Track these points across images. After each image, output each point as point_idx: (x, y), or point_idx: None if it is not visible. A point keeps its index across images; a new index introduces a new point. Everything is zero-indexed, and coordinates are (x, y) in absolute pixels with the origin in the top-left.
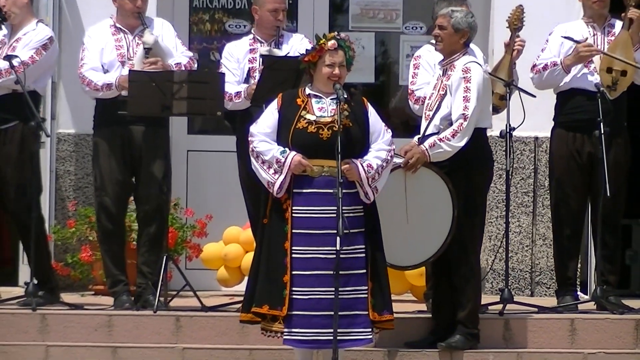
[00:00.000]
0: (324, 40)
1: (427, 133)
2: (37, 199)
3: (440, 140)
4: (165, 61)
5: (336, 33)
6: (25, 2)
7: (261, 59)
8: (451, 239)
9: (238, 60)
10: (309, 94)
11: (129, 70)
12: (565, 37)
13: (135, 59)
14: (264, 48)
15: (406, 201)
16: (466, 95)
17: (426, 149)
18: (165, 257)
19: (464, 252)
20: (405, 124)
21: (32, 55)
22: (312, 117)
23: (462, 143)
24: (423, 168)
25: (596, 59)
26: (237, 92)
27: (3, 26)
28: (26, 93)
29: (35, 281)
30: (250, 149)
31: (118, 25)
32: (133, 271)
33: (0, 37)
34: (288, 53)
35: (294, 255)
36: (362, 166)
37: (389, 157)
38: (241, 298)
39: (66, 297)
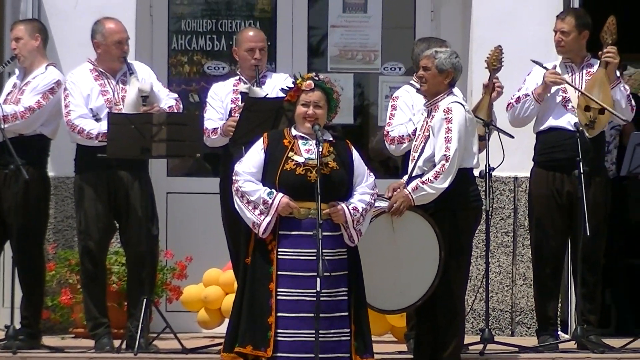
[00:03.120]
0: (300, 80)
1: (412, 175)
2: (38, 240)
3: (423, 182)
4: (159, 106)
5: (314, 74)
6: (35, 45)
7: (241, 97)
8: (438, 281)
9: (221, 100)
10: (295, 135)
11: (108, 113)
12: (534, 61)
13: (125, 104)
14: (244, 86)
15: (392, 245)
16: (447, 136)
17: (409, 193)
18: (145, 299)
19: (448, 293)
20: (384, 164)
21: (38, 100)
22: (300, 159)
23: (446, 184)
24: (408, 212)
25: (574, 98)
26: (215, 129)
27: (17, 69)
28: (7, 139)
29: (18, 326)
30: (235, 188)
31: (100, 69)
32: (114, 313)
33: (14, 80)
34: (267, 95)
35: (279, 297)
36: (349, 209)
37: (372, 201)
38: (222, 340)
39: (46, 340)
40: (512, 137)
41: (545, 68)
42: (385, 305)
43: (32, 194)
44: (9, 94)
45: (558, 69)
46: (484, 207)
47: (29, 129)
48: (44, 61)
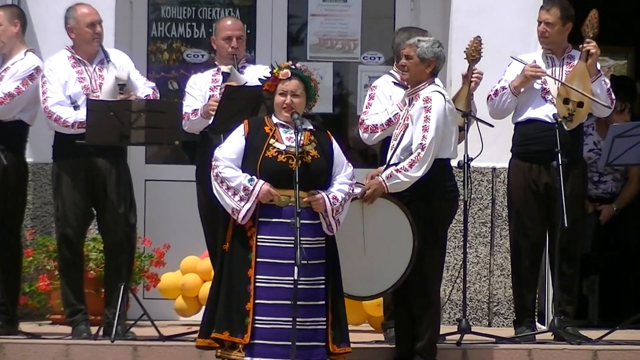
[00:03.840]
0: (277, 69)
1: (390, 163)
2: (15, 226)
3: (397, 170)
4: (136, 93)
5: (291, 63)
6: (14, 32)
7: (222, 78)
8: (411, 269)
9: (200, 89)
10: (276, 123)
11: (87, 100)
12: (513, 58)
13: (102, 91)
14: (226, 67)
15: (364, 232)
16: (425, 125)
17: (383, 180)
18: (122, 286)
19: (423, 283)
20: (363, 153)
21: (17, 86)
22: (281, 147)
23: (420, 173)
24: (381, 199)
25: (553, 90)
26: (194, 110)
27: None
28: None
29: None
30: (215, 174)
31: (77, 56)
32: (91, 300)
33: None
34: (246, 82)
35: (257, 284)
36: (328, 198)
37: (350, 191)
38: (198, 327)
39: (24, 326)
40: (492, 126)
41: (524, 63)
42: (355, 291)
43: (10, 180)
44: None
45: (540, 60)
46: (461, 197)
47: (8, 115)
48: (23, 47)
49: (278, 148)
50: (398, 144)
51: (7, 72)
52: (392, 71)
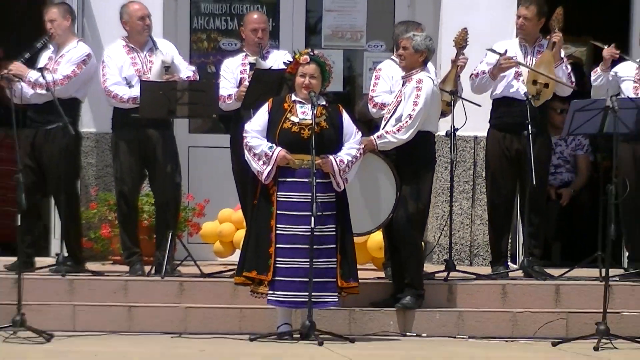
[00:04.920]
0: (298, 55)
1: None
2: (74, 184)
3: (387, 132)
4: (179, 75)
5: (310, 50)
6: (67, 25)
7: (249, 67)
8: (397, 215)
9: (232, 72)
10: (295, 100)
11: (141, 81)
12: (489, 50)
13: (151, 73)
14: (252, 58)
15: (359, 181)
16: (416, 101)
17: (374, 139)
18: (170, 233)
19: (408, 227)
20: (367, 124)
21: (73, 70)
22: (295, 119)
23: (406, 137)
24: (372, 155)
25: (525, 73)
26: (229, 95)
27: (50, 45)
28: (55, 100)
29: (66, 253)
30: (245, 143)
31: (130, 44)
32: (144, 245)
33: (49, 54)
34: (272, 66)
35: (278, 232)
36: (335, 160)
37: (358, 154)
38: (233, 267)
39: (90, 265)
40: (480, 105)
41: (499, 54)
42: (354, 229)
43: (70, 146)
44: (45, 65)
45: (516, 46)
46: (446, 159)
47: (66, 94)
48: (74, 38)
49: (293, 121)
50: (392, 115)
51: (63, 58)
52: (392, 57)
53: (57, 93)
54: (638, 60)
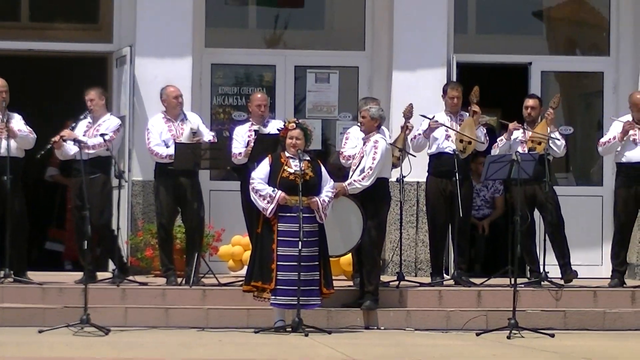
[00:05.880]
0: (287, 123)
1: (350, 178)
2: (108, 220)
3: (354, 180)
4: (203, 138)
5: (296, 119)
6: (102, 103)
7: (254, 133)
8: (363, 240)
9: (242, 136)
10: (288, 156)
11: (175, 142)
12: (421, 115)
13: (183, 137)
14: (255, 127)
15: (334, 216)
16: (374, 156)
17: (345, 185)
18: (196, 254)
19: (370, 248)
20: (338, 172)
21: (111, 135)
22: (291, 170)
23: (368, 183)
24: (344, 197)
25: (452, 134)
26: (240, 152)
27: (89, 116)
28: (114, 157)
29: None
30: (252, 187)
31: (168, 116)
32: (178, 262)
33: (86, 123)
34: (270, 132)
35: (279, 253)
36: (320, 200)
37: (332, 196)
38: (242, 278)
39: (138, 278)
40: (415, 156)
41: (429, 119)
42: (330, 252)
43: (107, 190)
44: (85, 132)
45: (445, 116)
46: (398, 199)
47: (105, 153)
48: (107, 112)
49: (289, 171)
50: (356, 168)
51: (102, 126)
52: (357, 124)
53: (100, 152)
54: (524, 125)
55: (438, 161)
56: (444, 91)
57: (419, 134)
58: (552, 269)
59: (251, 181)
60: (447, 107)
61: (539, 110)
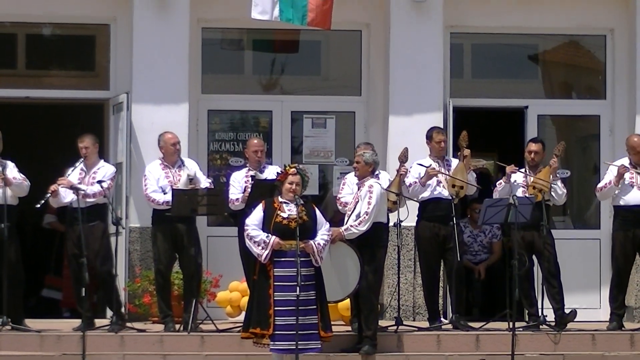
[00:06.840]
0: (288, 167)
1: (347, 222)
2: (111, 266)
3: (351, 226)
4: (200, 185)
5: (297, 164)
6: (95, 151)
7: (250, 178)
8: (361, 285)
9: (239, 182)
10: (282, 201)
11: (172, 189)
12: (418, 164)
13: (180, 183)
14: (252, 172)
15: (331, 261)
16: (369, 201)
17: (342, 230)
18: (194, 300)
19: (368, 293)
20: (335, 216)
21: (109, 183)
22: (284, 215)
23: (365, 228)
24: (341, 242)
25: (443, 180)
26: (237, 198)
27: (82, 164)
28: (111, 205)
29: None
30: (246, 234)
31: (165, 163)
32: (175, 309)
33: (79, 171)
34: (267, 177)
35: (275, 298)
36: (315, 244)
37: (328, 239)
38: (240, 324)
39: (136, 324)
40: (417, 201)
41: (426, 167)
42: (328, 297)
43: (106, 237)
44: (79, 179)
45: (433, 163)
46: (395, 243)
47: (102, 200)
48: (99, 159)
49: (282, 216)
50: (352, 212)
51: (97, 173)
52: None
53: (98, 200)
54: (523, 169)
55: (434, 206)
56: (429, 137)
57: (415, 182)
58: (551, 312)
59: (245, 227)
60: (434, 152)
61: (542, 154)
